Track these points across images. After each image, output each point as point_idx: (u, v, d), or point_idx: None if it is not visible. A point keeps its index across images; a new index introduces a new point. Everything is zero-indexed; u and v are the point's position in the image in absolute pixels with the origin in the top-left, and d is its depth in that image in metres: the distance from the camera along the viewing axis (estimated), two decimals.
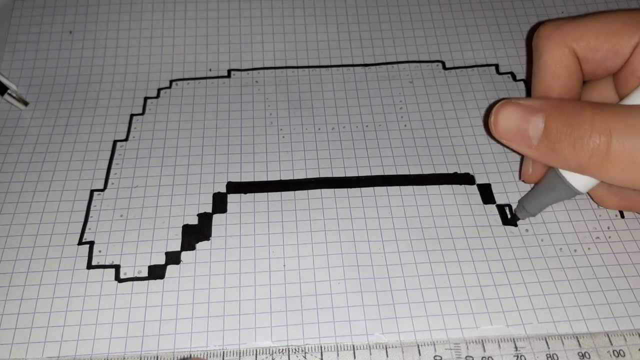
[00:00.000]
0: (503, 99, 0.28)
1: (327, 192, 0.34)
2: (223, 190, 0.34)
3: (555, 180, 0.29)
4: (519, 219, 0.32)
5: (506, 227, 0.32)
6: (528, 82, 0.39)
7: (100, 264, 0.31)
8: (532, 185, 0.33)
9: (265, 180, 0.34)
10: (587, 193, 0.32)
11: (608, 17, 0.29)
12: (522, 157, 0.34)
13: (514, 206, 0.33)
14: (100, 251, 0.31)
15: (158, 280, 0.30)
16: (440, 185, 0.34)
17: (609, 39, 0.29)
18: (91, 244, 0.32)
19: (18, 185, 0.34)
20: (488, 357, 0.27)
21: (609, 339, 0.28)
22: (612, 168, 0.26)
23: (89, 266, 0.31)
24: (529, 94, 0.38)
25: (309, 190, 0.34)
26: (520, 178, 0.34)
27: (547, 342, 0.28)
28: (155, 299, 0.30)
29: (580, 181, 0.29)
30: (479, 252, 0.31)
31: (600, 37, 0.29)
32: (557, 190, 0.30)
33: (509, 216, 0.33)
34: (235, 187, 0.34)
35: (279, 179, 0.34)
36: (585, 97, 0.31)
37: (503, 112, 0.28)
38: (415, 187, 0.34)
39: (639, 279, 0.30)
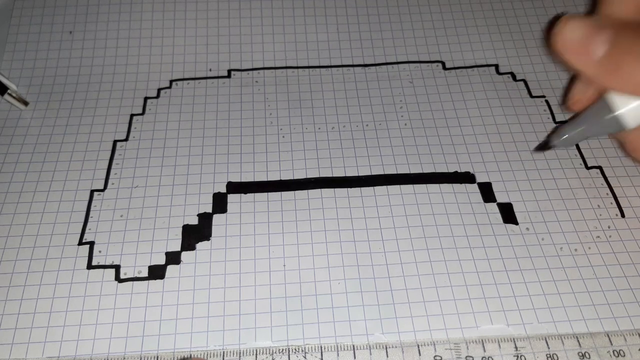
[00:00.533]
0: (563, 14, 0.28)
1: (327, 191, 0.34)
2: (223, 190, 0.34)
3: (604, 108, 0.28)
4: (550, 147, 0.31)
5: (507, 225, 0.32)
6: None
7: (100, 264, 0.31)
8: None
9: (265, 180, 0.34)
10: (621, 140, 0.31)
11: None
12: (570, 80, 0.32)
13: (514, 206, 0.33)
14: (100, 251, 0.31)
15: (158, 280, 0.30)
16: (441, 184, 0.34)
17: None
18: (91, 244, 0.32)
19: (18, 185, 0.34)
20: (488, 357, 0.27)
21: (609, 339, 0.28)
22: None
23: (89, 266, 0.31)
24: (530, 94, 0.38)
25: (309, 190, 0.34)
26: (564, 104, 0.32)
27: (547, 342, 0.28)
28: (155, 299, 0.30)
29: (632, 113, 0.27)
30: (479, 251, 0.31)
31: None
32: (604, 121, 0.28)
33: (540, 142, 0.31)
34: (235, 187, 0.34)
35: (279, 178, 0.34)
36: None
37: (570, 24, 0.27)
38: (415, 186, 0.34)
39: (639, 278, 0.30)
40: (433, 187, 0.34)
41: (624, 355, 0.27)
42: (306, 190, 0.34)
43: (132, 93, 0.39)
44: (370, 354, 0.28)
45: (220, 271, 0.31)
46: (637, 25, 0.26)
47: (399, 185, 0.34)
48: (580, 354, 0.27)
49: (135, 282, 0.30)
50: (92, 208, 0.33)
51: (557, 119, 0.37)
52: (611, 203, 0.33)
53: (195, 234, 0.32)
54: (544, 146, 0.31)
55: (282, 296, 0.30)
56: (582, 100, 0.31)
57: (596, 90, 0.30)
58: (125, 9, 0.43)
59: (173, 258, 0.31)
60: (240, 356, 0.28)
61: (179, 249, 0.31)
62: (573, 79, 0.33)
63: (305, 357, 0.28)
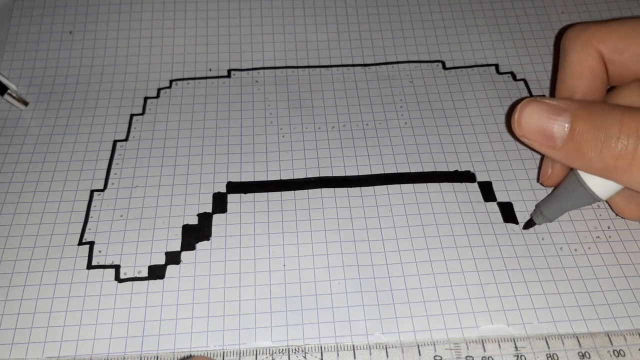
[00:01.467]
0: (524, 98, 0.28)
1: (327, 191, 0.34)
2: (223, 190, 0.34)
3: (575, 185, 0.29)
4: (535, 224, 0.31)
5: (507, 225, 0.32)
6: (552, 87, 0.38)
7: (100, 264, 0.31)
8: (550, 189, 0.33)
9: (265, 180, 0.34)
10: (607, 202, 0.32)
11: (637, 20, 0.29)
12: (541, 159, 0.33)
13: (514, 205, 0.33)
14: (100, 251, 0.31)
15: (158, 280, 0.30)
16: (441, 183, 0.34)
17: (637, 42, 0.29)
18: (91, 244, 0.32)
19: (18, 185, 0.34)
20: (488, 357, 0.27)
21: (609, 339, 0.28)
22: (639, 172, 0.25)
23: (89, 266, 0.31)
24: (530, 93, 0.38)
25: (309, 190, 0.34)
26: (538, 180, 0.33)
27: (547, 342, 0.28)
28: (155, 299, 0.30)
29: (601, 187, 0.28)
30: (479, 250, 0.31)
31: (628, 40, 0.29)
32: (577, 196, 0.29)
33: (521, 221, 0.32)
34: (235, 187, 0.34)
35: (279, 178, 0.34)
36: (611, 102, 0.31)
37: (528, 109, 0.27)
38: (415, 185, 0.34)
39: (639, 279, 0.30)
40: (433, 187, 0.34)
41: (624, 355, 0.27)
42: (306, 190, 0.34)
43: (132, 93, 0.39)
44: (370, 354, 0.28)
45: (220, 271, 0.31)
46: (595, 109, 0.26)
47: (399, 185, 0.34)
48: (581, 354, 0.27)
49: (135, 282, 0.30)
50: (92, 208, 0.33)
51: None
52: None
53: (195, 234, 0.32)
54: (529, 224, 0.32)
55: (282, 296, 0.30)
56: (554, 176, 0.31)
57: (563, 166, 0.31)
58: (125, 9, 0.43)
59: (173, 258, 0.31)
60: (240, 356, 0.28)
61: (178, 249, 0.31)
62: (542, 156, 0.33)
63: (305, 357, 0.28)
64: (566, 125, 0.26)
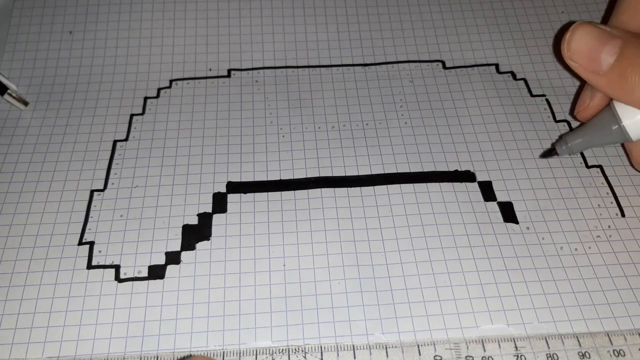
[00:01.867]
0: (574, 22, 0.28)
1: (327, 191, 0.34)
2: (223, 190, 0.34)
3: (609, 119, 0.28)
4: (556, 153, 0.31)
5: (507, 224, 0.32)
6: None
7: (100, 264, 0.31)
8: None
9: (265, 180, 0.34)
10: (630, 158, 0.31)
11: None
12: (579, 89, 0.32)
13: (514, 205, 0.33)
14: (100, 251, 0.31)
15: (158, 280, 0.30)
16: (441, 183, 0.34)
17: None
18: (91, 244, 0.32)
19: (18, 185, 0.34)
20: (488, 357, 0.27)
21: (609, 339, 0.28)
22: None
23: (89, 266, 0.31)
24: (530, 92, 0.38)
25: (309, 190, 0.34)
26: (573, 112, 0.32)
27: (547, 342, 0.28)
28: (155, 299, 0.30)
29: (635, 126, 0.28)
30: (479, 250, 0.31)
31: None
32: (607, 131, 0.29)
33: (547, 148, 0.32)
34: (235, 187, 0.34)
35: (279, 178, 0.34)
36: None
37: (580, 31, 0.27)
38: (415, 185, 0.34)
39: (639, 278, 0.30)
40: (433, 186, 0.34)
41: (624, 355, 0.27)
42: (306, 190, 0.34)
43: (132, 93, 0.39)
44: (370, 354, 0.28)
45: (220, 271, 0.31)
46: None
47: (399, 185, 0.34)
48: (581, 354, 0.27)
49: (135, 282, 0.30)
50: (92, 208, 0.33)
51: (558, 118, 0.37)
52: (611, 202, 0.33)
53: (195, 233, 0.32)
54: (548, 153, 0.31)
55: (282, 296, 0.30)
56: (589, 108, 0.31)
57: (603, 98, 0.30)
58: (125, 9, 0.43)
59: (173, 258, 0.31)
60: (240, 356, 0.28)
61: (178, 248, 0.31)
62: (581, 87, 0.33)
63: (305, 357, 0.28)
64: (615, 50, 0.26)
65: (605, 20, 0.37)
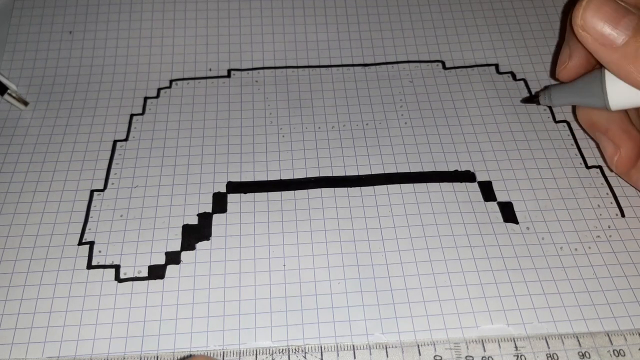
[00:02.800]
0: None
1: (327, 191, 0.34)
2: (223, 190, 0.34)
3: (594, 82, 0.29)
4: (537, 101, 0.32)
5: (507, 224, 0.32)
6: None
7: (100, 264, 0.31)
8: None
9: (265, 179, 0.34)
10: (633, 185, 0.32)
11: None
12: (558, 47, 0.33)
13: (514, 205, 0.33)
14: (100, 251, 0.31)
15: (158, 280, 0.30)
16: (441, 183, 0.34)
17: None
18: (91, 244, 0.32)
19: (18, 185, 0.34)
20: (488, 357, 0.27)
21: (609, 339, 0.28)
22: None
23: (89, 266, 0.31)
24: (530, 93, 0.38)
25: (309, 190, 0.34)
26: (553, 75, 0.33)
27: (547, 342, 0.28)
28: (155, 299, 0.30)
29: (618, 96, 0.28)
30: (479, 250, 0.31)
31: None
32: (591, 93, 0.29)
33: (531, 94, 0.32)
34: (235, 187, 0.34)
35: (279, 178, 0.34)
36: None
37: (594, 3, 0.26)
38: (415, 185, 0.34)
39: (639, 278, 0.30)
40: (433, 186, 0.34)
41: (624, 355, 0.27)
42: (306, 190, 0.34)
43: (132, 93, 0.39)
44: (370, 354, 0.28)
45: (220, 271, 0.31)
46: None
47: (399, 185, 0.34)
48: (581, 354, 0.27)
49: (135, 282, 0.30)
50: (92, 208, 0.33)
51: (558, 118, 0.37)
52: (611, 203, 0.33)
53: (195, 233, 0.32)
54: (530, 99, 0.32)
55: (282, 296, 0.30)
56: (568, 68, 0.31)
57: (581, 58, 0.31)
58: (125, 9, 0.43)
59: (173, 258, 0.31)
60: (240, 356, 0.28)
61: (178, 248, 0.31)
62: (559, 47, 0.33)
63: (305, 357, 0.28)
64: (632, 25, 0.26)
65: None
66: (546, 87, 0.32)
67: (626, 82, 0.27)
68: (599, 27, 0.26)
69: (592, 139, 0.34)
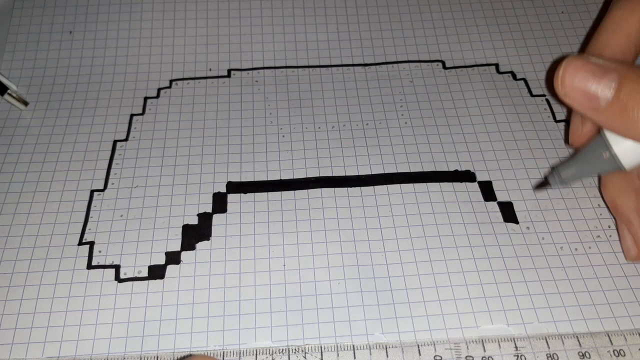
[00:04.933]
0: (568, 55, 0.27)
1: (327, 191, 0.34)
2: (223, 190, 0.34)
3: (600, 149, 0.27)
4: (549, 185, 0.30)
5: (507, 224, 0.32)
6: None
7: (100, 264, 0.31)
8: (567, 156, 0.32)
9: (265, 179, 0.34)
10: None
11: None
12: (569, 116, 0.32)
13: (514, 204, 0.33)
14: (100, 251, 0.31)
15: (158, 280, 0.30)
16: (441, 183, 0.34)
17: None
18: (91, 244, 0.32)
19: (18, 185, 0.34)
20: (488, 357, 0.27)
21: (609, 339, 0.28)
22: None
23: (89, 266, 0.31)
24: (530, 92, 0.38)
25: (309, 190, 0.34)
26: (566, 141, 0.32)
27: (547, 342, 0.28)
28: (155, 299, 0.30)
29: (629, 155, 0.27)
30: (479, 250, 0.31)
31: None
32: (600, 160, 0.27)
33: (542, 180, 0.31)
34: (235, 187, 0.34)
35: (279, 178, 0.34)
36: None
37: (573, 66, 0.26)
38: (415, 184, 0.34)
39: (639, 278, 0.30)
40: (433, 186, 0.34)
41: (624, 355, 0.27)
42: (306, 190, 0.34)
43: (132, 93, 0.39)
44: (370, 354, 0.28)
45: (220, 271, 0.31)
46: None
47: (399, 185, 0.34)
48: (581, 354, 0.27)
49: (135, 282, 0.30)
50: (92, 208, 0.33)
51: (558, 118, 0.37)
52: None
53: (195, 233, 0.32)
54: (542, 185, 0.31)
55: (282, 296, 0.30)
56: (582, 135, 0.30)
57: (593, 125, 0.30)
58: (125, 9, 0.43)
59: (173, 258, 0.31)
60: (240, 356, 0.28)
61: (178, 248, 0.31)
62: (570, 113, 0.32)
63: (305, 357, 0.28)
64: (613, 85, 0.25)
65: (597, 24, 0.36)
66: (553, 168, 0.30)
67: (628, 138, 0.26)
68: (580, 92, 0.26)
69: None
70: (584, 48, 0.37)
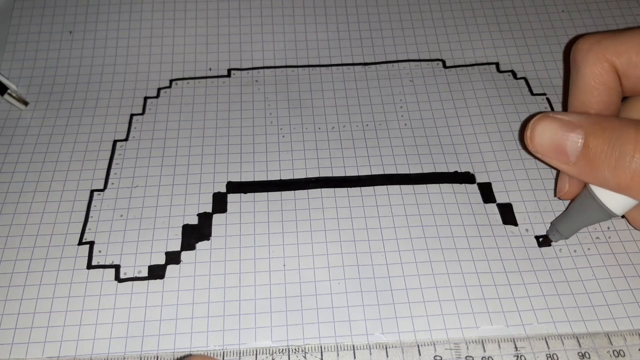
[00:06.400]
0: (538, 113, 0.28)
1: (327, 191, 0.34)
2: (223, 190, 0.34)
3: (589, 201, 0.28)
4: (552, 241, 0.31)
5: (506, 226, 0.32)
6: (565, 96, 0.38)
7: (100, 264, 0.31)
8: (566, 203, 0.32)
9: (265, 179, 0.34)
10: (623, 215, 0.31)
11: None
12: (557, 172, 0.33)
13: (514, 206, 0.33)
14: (100, 251, 0.31)
15: (158, 280, 0.30)
16: (441, 184, 0.34)
17: None
18: (91, 244, 0.32)
19: (18, 185, 0.34)
20: (488, 357, 0.27)
21: (609, 339, 0.28)
22: None
23: (89, 266, 0.31)
24: (530, 92, 0.38)
25: (309, 190, 0.34)
26: (555, 195, 0.33)
27: (547, 342, 0.28)
28: (155, 299, 0.30)
29: (616, 202, 0.27)
30: (479, 252, 0.31)
31: None
32: (592, 212, 0.28)
33: (540, 239, 0.31)
34: (235, 187, 0.34)
35: (279, 178, 0.34)
36: (625, 115, 0.30)
37: (540, 125, 0.27)
38: (415, 186, 0.34)
39: (638, 279, 0.30)
40: (433, 187, 0.34)
41: (624, 356, 0.27)
42: (306, 190, 0.34)
43: (132, 93, 0.39)
44: (370, 354, 0.28)
45: (220, 271, 0.31)
46: (608, 125, 0.25)
47: (398, 185, 0.34)
48: (580, 354, 0.27)
49: (135, 282, 0.30)
50: (92, 208, 0.33)
51: None
52: None
53: (195, 233, 0.32)
54: (545, 242, 0.31)
55: (282, 296, 0.30)
56: (571, 190, 0.31)
57: (580, 180, 0.30)
58: (125, 9, 0.43)
59: (173, 258, 0.31)
60: (240, 356, 0.28)
61: (178, 248, 0.31)
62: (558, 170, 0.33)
63: (305, 357, 0.28)
64: (579, 141, 0.26)
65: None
66: (552, 224, 0.31)
67: (607, 189, 0.27)
68: (550, 149, 0.27)
69: None
70: (564, 104, 0.37)
